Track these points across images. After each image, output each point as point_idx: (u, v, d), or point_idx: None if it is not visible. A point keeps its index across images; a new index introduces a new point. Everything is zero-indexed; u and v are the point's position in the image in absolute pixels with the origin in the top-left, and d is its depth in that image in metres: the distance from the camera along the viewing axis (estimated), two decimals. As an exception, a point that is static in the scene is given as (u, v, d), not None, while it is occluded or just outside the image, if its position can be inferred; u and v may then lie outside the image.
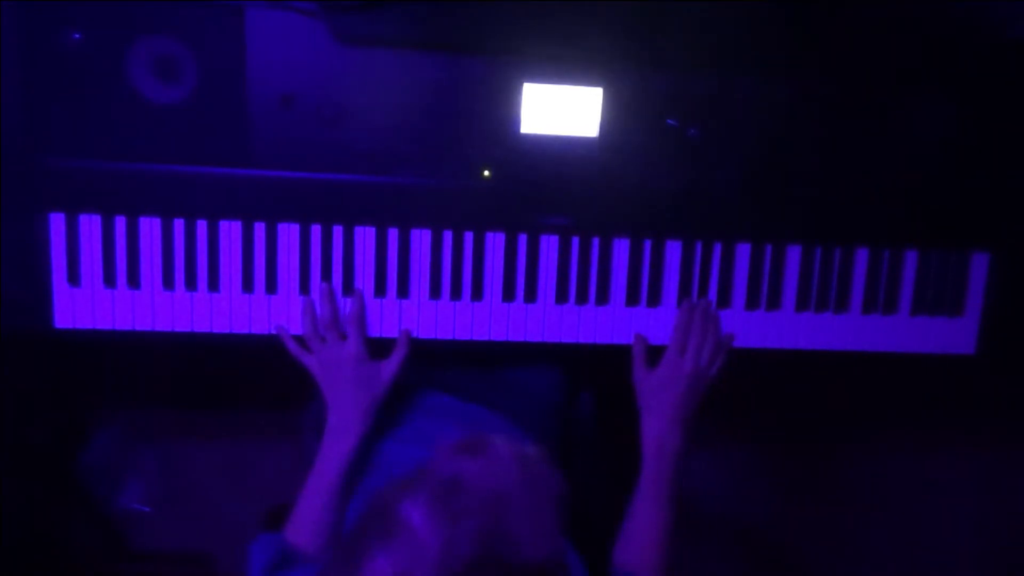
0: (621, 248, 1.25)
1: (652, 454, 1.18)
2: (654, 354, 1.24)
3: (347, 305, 1.21)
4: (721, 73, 1.20)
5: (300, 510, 1.14)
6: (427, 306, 1.23)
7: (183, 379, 1.81)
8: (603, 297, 1.25)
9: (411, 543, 0.64)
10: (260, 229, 1.20)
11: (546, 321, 1.25)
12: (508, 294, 1.24)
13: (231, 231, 1.19)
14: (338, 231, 1.20)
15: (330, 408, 1.18)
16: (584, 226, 1.23)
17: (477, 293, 1.23)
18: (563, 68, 1.18)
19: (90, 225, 1.17)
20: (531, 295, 1.24)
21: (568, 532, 1.08)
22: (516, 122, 1.18)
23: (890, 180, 1.26)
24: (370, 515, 0.68)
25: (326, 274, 1.21)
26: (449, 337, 1.24)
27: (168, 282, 1.19)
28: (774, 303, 1.28)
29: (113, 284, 1.19)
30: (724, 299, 1.27)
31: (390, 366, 1.20)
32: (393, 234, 1.21)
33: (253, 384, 1.79)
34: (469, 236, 1.22)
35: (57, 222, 1.17)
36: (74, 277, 1.18)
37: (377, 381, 1.19)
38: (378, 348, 1.21)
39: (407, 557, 0.63)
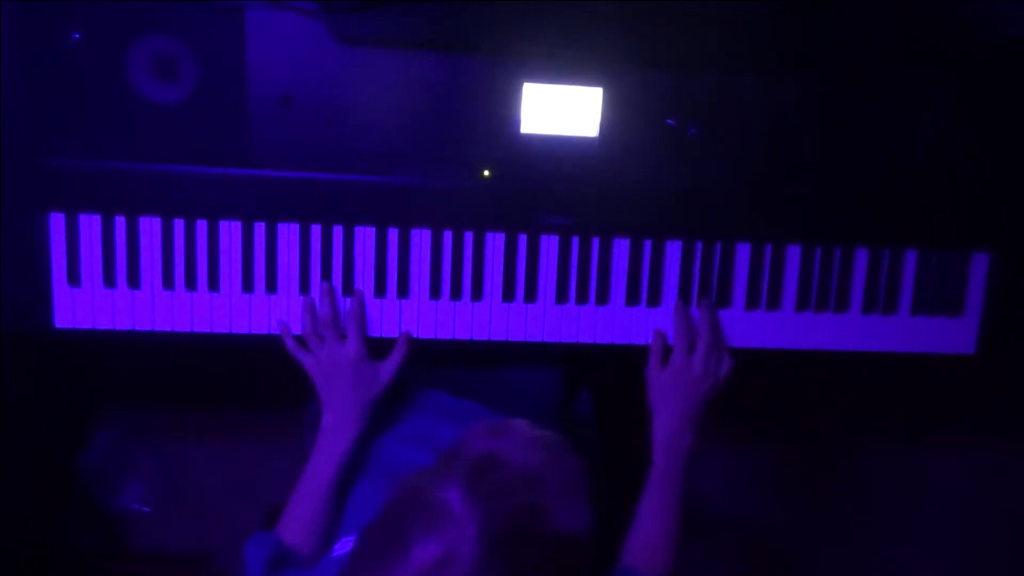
0: (621, 248, 1.25)
1: (662, 453, 1.18)
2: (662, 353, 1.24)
3: (347, 305, 1.21)
4: (721, 73, 1.20)
5: (293, 509, 1.15)
6: (427, 306, 1.23)
7: (183, 379, 1.81)
8: (603, 297, 1.25)
9: (451, 524, 0.65)
10: (260, 229, 1.19)
11: (546, 321, 1.25)
12: (508, 294, 1.24)
13: (231, 231, 1.19)
14: (338, 231, 1.20)
15: (325, 407, 1.18)
16: (584, 226, 1.23)
17: (477, 293, 1.23)
18: (563, 68, 1.18)
19: (90, 225, 1.17)
20: (531, 295, 1.24)
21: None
22: (516, 122, 1.18)
23: (890, 180, 1.26)
24: (403, 504, 0.69)
25: (326, 274, 1.21)
26: (449, 337, 1.24)
27: (168, 282, 1.19)
28: (774, 303, 1.28)
29: (113, 284, 1.19)
30: (724, 299, 1.27)
31: (388, 367, 1.20)
32: (393, 234, 1.21)
33: (253, 384, 1.79)
34: (469, 236, 1.22)
35: (57, 222, 1.17)
36: (74, 277, 1.18)
37: (374, 382, 1.19)
38: (378, 348, 1.21)
39: (448, 538, 0.65)
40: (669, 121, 1.20)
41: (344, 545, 1.04)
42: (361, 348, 1.19)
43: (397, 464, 1.17)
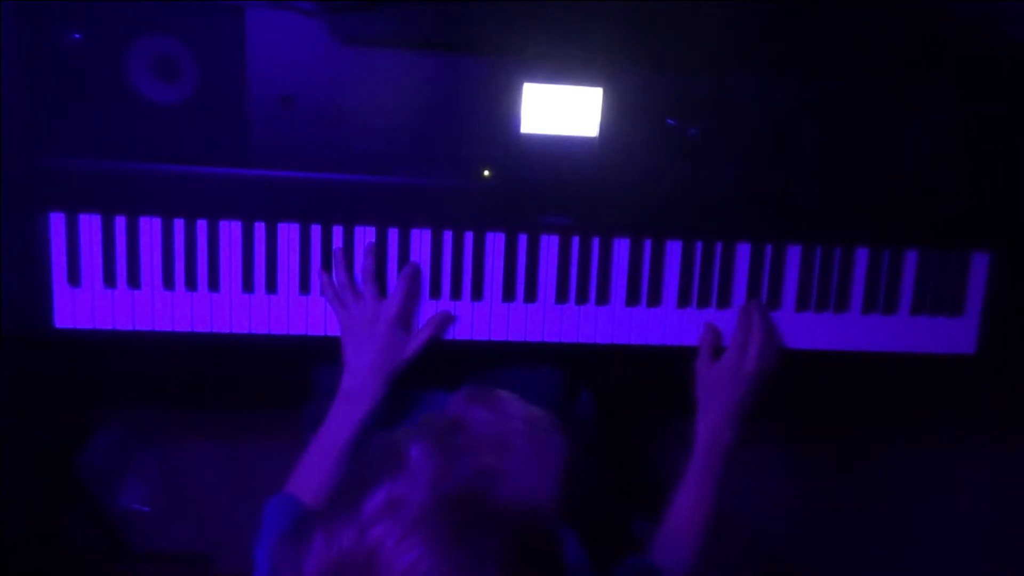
0: (621, 248, 1.25)
1: (703, 447, 1.20)
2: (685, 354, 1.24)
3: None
4: (721, 73, 1.20)
5: (304, 469, 1.14)
6: (427, 306, 1.23)
7: (183, 379, 1.81)
8: (603, 297, 1.25)
9: (407, 473, 0.67)
10: (260, 229, 1.20)
11: (546, 321, 1.25)
12: (508, 294, 1.24)
13: (231, 231, 1.19)
14: (338, 231, 1.20)
15: (347, 369, 1.17)
16: (584, 226, 1.23)
17: (477, 293, 1.23)
18: (563, 68, 1.18)
19: (90, 225, 1.17)
20: (531, 295, 1.24)
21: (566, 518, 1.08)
22: (516, 122, 1.18)
23: (890, 180, 1.26)
24: (375, 454, 0.71)
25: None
26: (449, 337, 1.24)
27: (168, 282, 1.19)
28: (774, 303, 1.28)
29: (113, 284, 1.19)
30: (724, 299, 1.27)
31: (416, 340, 1.19)
32: (393, 234, 1.21)
33: (253, 384, 1.79)
34: (469, 236, 1.22)
35: (57, 222, 1.17)
36: (74, 277, 1.18)
37: (402, 350, 1.18)
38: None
39: (400, 485, 0.66)
40: (669, 121, 1.20)
41: None
42: (400, 311, 1.18)
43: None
